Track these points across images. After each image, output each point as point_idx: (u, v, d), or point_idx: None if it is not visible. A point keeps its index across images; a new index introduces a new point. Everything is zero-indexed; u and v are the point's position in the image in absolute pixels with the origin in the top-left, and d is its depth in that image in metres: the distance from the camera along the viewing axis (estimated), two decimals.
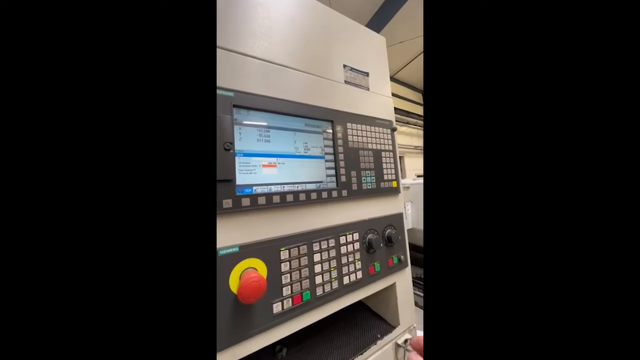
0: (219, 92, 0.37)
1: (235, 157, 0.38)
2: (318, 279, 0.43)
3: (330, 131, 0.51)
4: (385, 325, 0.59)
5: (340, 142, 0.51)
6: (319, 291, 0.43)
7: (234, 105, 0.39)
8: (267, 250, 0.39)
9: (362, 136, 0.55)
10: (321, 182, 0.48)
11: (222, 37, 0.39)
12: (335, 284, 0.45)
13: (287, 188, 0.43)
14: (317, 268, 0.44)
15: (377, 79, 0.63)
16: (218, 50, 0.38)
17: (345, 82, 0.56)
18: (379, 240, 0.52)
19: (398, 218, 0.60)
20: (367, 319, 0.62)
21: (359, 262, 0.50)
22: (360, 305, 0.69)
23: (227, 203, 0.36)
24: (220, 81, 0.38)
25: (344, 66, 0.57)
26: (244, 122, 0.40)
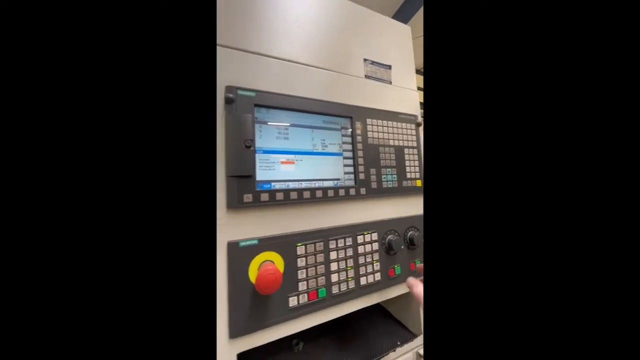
0: (241, 92, 0.39)
1: (256, 154, 0.40)
2: (334, 277, 0.43)
3: (349, 128, 0.50)
4: (407, 333, 0.56)
5: (359, 138, 0.50)
6: (335, 289, 0.43)
7: (255, 105, 0.40)
8: (284, 244, 0.40)
9: (383, 132, 0.53)
10: (338, 179, 0.47)
11: (243, 40, 0.41)
12: (352, 284, 0.44)
13: (304, 185, 0.44)
14: (334, 266, 0.43)
15: (400, 71, 0.60)
16: (239, 52, 0.41)
17: (366, 76, 0.55)
18: (399, 242, 0.49)
19: (422, 219, 0.56)
20: (388, 324, 0.60)
21: (378, 263, 0.48)
22: (380, 309, 0.66)
23: (248, 197, 0.38)
24: (242, 82, 0.40)
25: (365, 60, 0.55)
26: (264, 120, 0.42)
